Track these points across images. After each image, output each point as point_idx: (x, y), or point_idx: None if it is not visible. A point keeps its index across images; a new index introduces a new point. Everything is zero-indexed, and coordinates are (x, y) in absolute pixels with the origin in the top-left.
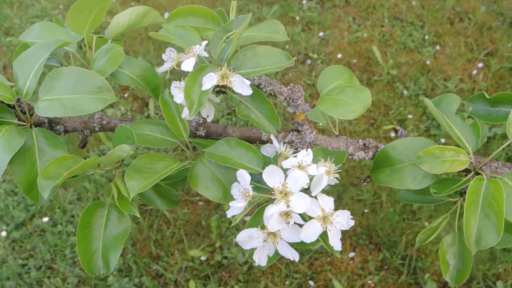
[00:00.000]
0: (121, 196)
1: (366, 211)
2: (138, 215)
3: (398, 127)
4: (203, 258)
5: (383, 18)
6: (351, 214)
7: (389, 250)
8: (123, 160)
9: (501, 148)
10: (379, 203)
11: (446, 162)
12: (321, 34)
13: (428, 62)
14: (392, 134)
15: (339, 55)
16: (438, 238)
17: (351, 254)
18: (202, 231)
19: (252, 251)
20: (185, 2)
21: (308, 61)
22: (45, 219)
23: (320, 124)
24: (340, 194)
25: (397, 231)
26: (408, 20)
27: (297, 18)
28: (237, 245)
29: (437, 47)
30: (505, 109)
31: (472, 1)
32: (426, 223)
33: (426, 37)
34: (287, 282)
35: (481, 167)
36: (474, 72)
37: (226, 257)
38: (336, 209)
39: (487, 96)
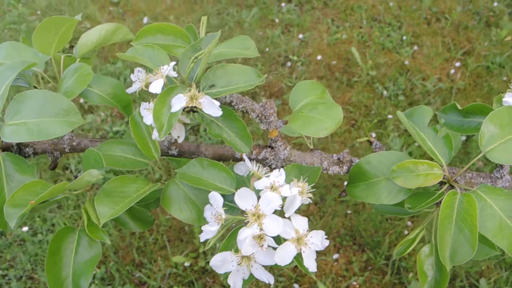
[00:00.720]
0: (91, 223)
1: (349, 212)
2: (108, 241)
3: (372, 139)
4: (186, 264)
5: (361, 20)
6: (335, 216)
7: (373, 250)
8: (94, 184)
9: (473, 161)
10: (361, 204)
11: (420, 176)
12: (300, 36)
13: (406, 62)
14: (373, 134)
15: (319, 57)
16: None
17: (335, 256)
18: (185, 236)
19: (226, 274)
20: (164, 6)
21: (288, 63)
22: (25, 228)
23: (296, 137)
24: (322, 196)
25: (380, 231)
26: (386, 21)
27: (277, 20)
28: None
29: (415, 47)
30: (477, 119)
31: (448, 1)
32: (409, 223)
33: (404, 37)
34: (271, 286)
35: (455, 179)
36: (452, 71)
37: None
38: (318, 211)
39: (459, 107)
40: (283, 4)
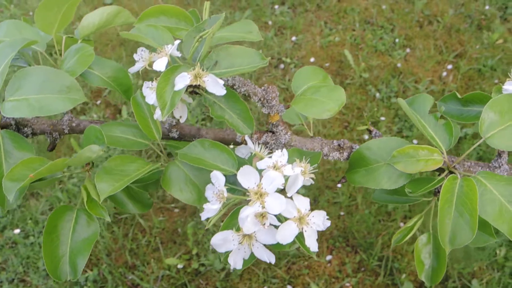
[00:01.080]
0: (90, 199)
1: (342, 213)
2: (108, 218)
3: (372, 128)
4: (179, 266)
5: (354, 22)
6: (328, 217)
7: (366, 252)
8: (93, 163)
9: (473, 146)
10: (354, 205)
11: (420, 161)
12: (293, 38)
13: (399, 64)
14: (366, 137)
15: (312, 59)
16: (413, 238)
17: (328, 257)
18: (178, 238)
19: (227, 254)
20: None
21: (282, 65)
22: (17, 230)
23: (295, 125)
24: (316, 197)
25: (373, 232)
26: (379, 23)
27: (270, 22)
28: (214, 251)
29: (408, 50)
30: (477, 108)
31: (441, 4)
32: (402, 224)
33: (397, 40)
34: (265, 287)
35: (454, 166)
36: (444, 73)
37: (203, 264)
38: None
39: (459, 96)
40: (276, 6)
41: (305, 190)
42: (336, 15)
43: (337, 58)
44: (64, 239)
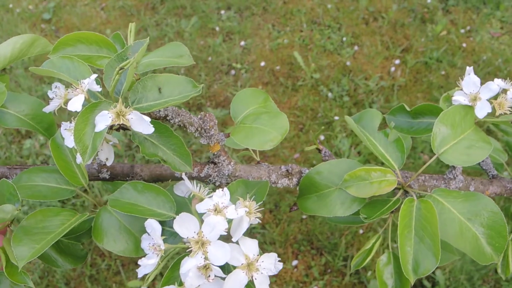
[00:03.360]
0: (10, 264)
1: (304, 217)
2: (32, 285)
3: (321, 147)
4: None
5: (301, 23)
6: (290, 222)
7: (331, 253)
8: (14, 219)
9: (426, 164)
10: None
11: (374, 184)
12: (242, 43)
13: (348, 63)
14: (322, 137)
15: (262, 63)
16: (375, 231)
17: (294, 262)
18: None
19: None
20: (99, 20)
21: (232, 72)
22: None
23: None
24: (277, 203)
25: (336, 233)
26: (326, 23)
27: (217, 28)
28: None
29: (356, 48)
30: (427, 120)
31: (384, 0)
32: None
33: (344, 38)
34: None
35: (409, 184)
36: (392, 69)
37: None
38: (273, 218)
39: (408, 109)
40: (222, 12)
41: (266, 197)
42: (283, 17)
43: (287, 61)
44: None
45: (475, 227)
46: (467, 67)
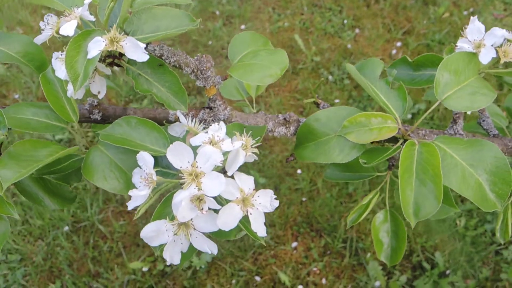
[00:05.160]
0: None
1: (304, 199)
2: (17, 216)
3: (319, 101)
4: (145, 269)
5: (302, 6)
6: (290, 204)
7: (330, 235)
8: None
9: (430, 109)
10: (315, 190)
11: (374, 130)
12: (242, 27)
13: (349, 46)
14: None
15: None
16: (373, 212)
17: (294, 244)
18: (141, 241)
19: (162, 248)
20: None
21: None
22: None
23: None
24: (277, 185)
25: (335, 215)
26: (326, 6)
27: (217, 12)
28: None
29: (357, 30)
30: (429, 72)
31: None
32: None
33: (345, 21)
34: (233, 281)
35: (409, 134)
36: (394, 51)
37: (169, 265)
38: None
39: (410, 60)
40: None
41: (266, 180)
42: (283, 0)
43: (287, 44)
44: None
45: (478, 173)
46: (471, 17)
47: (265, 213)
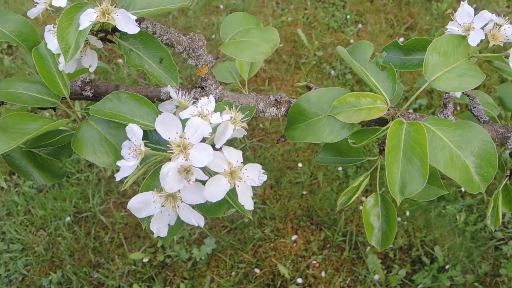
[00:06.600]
0: None
1: (304, 192)
2: (4, 184)
3: (311, 84)
4: (145, 260)
5: (305, 1)
6: (291, 197)
7: (330, 228)
8: None
9: (419, 91)
10: (316, 184)
11: (363, 110)
12: None
13: (352, 41)
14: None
15: None
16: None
17: (294, 237)
18: (142, 232)
19: (149, 220)
20: None
21: None
22: None
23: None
24: (278, 179)
25: (335, 209)
26: (330, 1)
27: (221, 6)
28: (179, 242)
29: (360, 26)
30: (419, 56)
31: None
32: (363, 198)
33: (348, 16)
34: (233, 273)
35: (398, 116)
36: None
37: (169, 256)
38: (274, 194)
39: (400, 44)
40: None
41: (267, 173)
42: None
43: (290, 38)
44: None
45: (465, 155)
46: (462, 1)
47: (266, 207)
